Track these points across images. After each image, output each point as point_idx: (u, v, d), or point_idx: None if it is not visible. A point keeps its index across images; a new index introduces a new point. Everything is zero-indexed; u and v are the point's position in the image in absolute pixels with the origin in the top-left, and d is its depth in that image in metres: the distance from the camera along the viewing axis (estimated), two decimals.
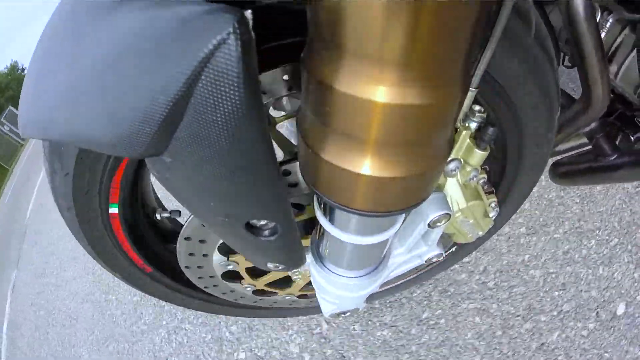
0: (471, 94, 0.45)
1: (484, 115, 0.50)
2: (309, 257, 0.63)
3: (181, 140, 0.31)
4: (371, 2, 0.23)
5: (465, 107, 0.48)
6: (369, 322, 1.24)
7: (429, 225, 0.52)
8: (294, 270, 0.82)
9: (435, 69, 0.26)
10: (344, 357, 1.20)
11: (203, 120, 0.29)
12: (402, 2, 0.22)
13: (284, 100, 0.74)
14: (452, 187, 0.55)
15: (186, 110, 0.28)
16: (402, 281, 1.13)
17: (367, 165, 0.32)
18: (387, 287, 1.14)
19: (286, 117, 0.77)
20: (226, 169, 0.33)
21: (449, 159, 0.52)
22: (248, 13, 0.25)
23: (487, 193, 0.59)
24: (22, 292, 3.97)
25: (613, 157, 0.85)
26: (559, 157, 0.98)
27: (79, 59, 0.33)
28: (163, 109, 0.28)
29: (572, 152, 0.97)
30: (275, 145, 0.66)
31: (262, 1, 0.43)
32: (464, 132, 0.50)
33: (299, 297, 0.97)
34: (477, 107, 0.50)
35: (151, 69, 0.27)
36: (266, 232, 0.46)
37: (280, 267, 0.56)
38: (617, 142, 0.87)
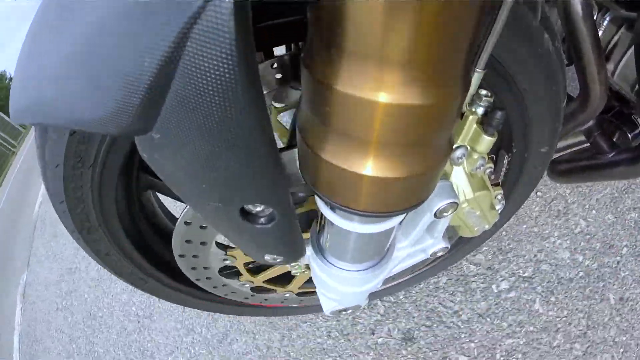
0: (478, 75, 0.43)
1: (491, 99, 0.47)
2: (309, 250, 0.59)
3: (170, 112, 0.28)
4: (371, 3, 0.22)
5: (472, 90, 0.45)
6: (617, 209, 1.22)
7: (435, 215, 0.49)
8: (293, 264, 0.79)
9: (436, 68, 0.26)
10: (612, 245, 1.17)
11: (193, 87, 0.26)
12: (402, 3, 0.22)
13: None
14: (459, 176, 0.52)
15: (174, 75, 0.25)
16: (406, 277, 1.09)
17: (367, 166, 0.31)
18: (390, 284, 1.10)
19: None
20: (218, 144, 0.31)
21: (455, 145, 0.50)
22: None
23: (493, 185, 0.57)
24: (39, 295, 3.09)
25: (611, 155, 0.86)
26: (557, 155, 0.97)
27: (65, 36, 0.31)
28: (149, 74, 0.25)
29: (570, 150, 0.96)
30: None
31: None
32: (471, 117, 0.47)
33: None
34: (483, 92, 0.47)
35: (136, 31, 0.25)
36: (263, 219, 0.43)
37: (278, 259, 0.52)
38: (614, 140, 0.86)
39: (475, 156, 0.50)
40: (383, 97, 0.26)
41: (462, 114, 0.48)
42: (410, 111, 0.27)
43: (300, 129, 0.35)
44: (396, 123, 0.28)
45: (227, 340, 1.39)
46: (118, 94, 0.26)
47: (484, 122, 0.48)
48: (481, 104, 0.47)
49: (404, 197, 0.35)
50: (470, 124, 0.48)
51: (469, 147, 0.50)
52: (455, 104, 0.29)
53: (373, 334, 1.16)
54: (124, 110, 0.27)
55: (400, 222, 0.48)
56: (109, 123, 0.28)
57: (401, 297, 1.20)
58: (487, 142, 0.48)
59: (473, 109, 0.47)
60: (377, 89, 0.26)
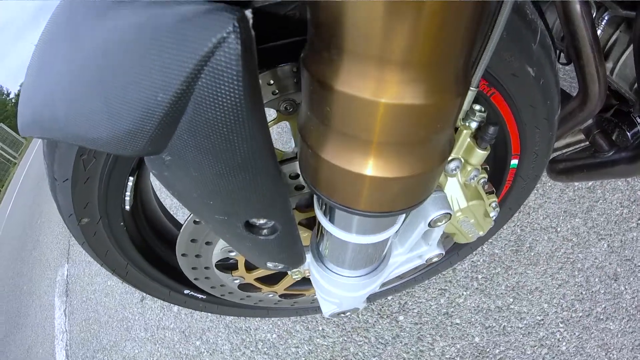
0: (471, 93, 0.45)
1: (484, 114, 0.50)
2: (308, 257, 0.63)
3: (181, 138, 0.31)
4: (371, 3, 0.23)
5: (465, 106, 0.48)
6: None
7: (429, 224, 0.52)
8: (294, 270, 0.82)
9: (435, 68, 0.26)
10: None
11: (203, 119, 0.29)
12: (402, 3, 0.22)
13: None
14: (453, 187, 0.55)
15: (186, 108, 0.28)
16: (403, 280, 1.15)
17: (367, 166, 0.32)
18: (388, 287, 1.16)
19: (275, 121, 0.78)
20: (226, 167, 0.33)
21: (450, 158, 0.52)
22: (248, 12, 0.25)
23: (488, 193, 0.59)
24: (96, 289, 2.50)
25: (610, 153, 0.86)
26: (556, 154, 0.99)
27: (77, 56, 0.33)
28: (163, 107, 0.28)
29: (570, 149, 0.98)
30: None
31: (257, 1, 0.43)
32: (465, 132, 0.50)
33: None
34: (477, 107, 0.50)
35: (151, 67, 0.27)
36: (265, 231, 0.46)
37: (280, 267, 0.56)
38: (613, 138, 0.88)
39: (469, 168, 0.53)
40: (383, 97, 0.26)
41: (456, 129, 0.51)
42: (410, 111, 0.27)
43: (300, 129, 0.36)
44: (396, 123, 0.28)
45: (526, 246, 1.34)
46: (132, 121, 0.29)
47: (478, 137, 0.51)
48: (475, 118, 0.50)
49: (404, 197, 0.36)
50: (464, 138, 0.50)
51: (462, 160, 0.52)
52: (455, 103, 0.30)
53: None
54: (137, 136, 0.29)
55: (396, 231, 0.51)
56: (121, 145, 0.30)
57: None
58: (480, 155, 0.51)
59: (467, 124, 0.50)
60: (377, 89, 0.26)
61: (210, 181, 0.35)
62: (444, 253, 0.64)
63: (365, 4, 0.23)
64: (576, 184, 1.43)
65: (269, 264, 0.55)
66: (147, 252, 0.81)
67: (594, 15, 0.78)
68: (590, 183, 1.41)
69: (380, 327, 1.33)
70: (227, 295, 0.90)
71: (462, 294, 1.31)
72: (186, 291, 0.91)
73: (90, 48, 0.32)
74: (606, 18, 0.78)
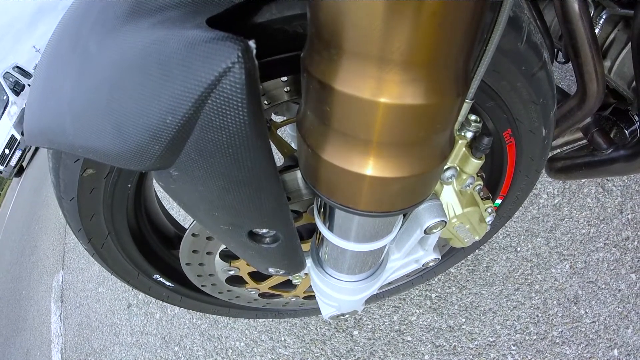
0: (467, 105, 0.47)
1: (480, 124, 0.53)
2: (309, 262, 0.66)
3: (188, 156, 0.33)
4: (371, 3, 0.23)
5: (461, 117, 0.51)
6: None
7: (425, 231, 0.55)
8: (295, 275, 0.86)
9: (435, 68, 0.27)
10: None
11: (209, 140, 0.31)
12: (402, 3, 0.23)
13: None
14: (449, 194, 0.58)
15: (193, 130, 0.31)
16: (401, 282, 1.20)
17: (367, 166, 0.32)
18: (386, 289, 1.21)
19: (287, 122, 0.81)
20: (231, 183, 0.36)
21: (445, 167, 0.56)
22: (252, 42, 0.27)
23: (484, 199, 0.63)
24: (88, 295, 2.69)
25: (609, 151, 0.88)
26: (555, 152, 1.03)
27: (86, 72, 0.35)
28: (171, 129, 0.30)
29: (568, 147, 1.01)
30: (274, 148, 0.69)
31: None
32: (460, 142, 0.53)
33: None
34: (472, 117, 0.53)
35: (160, 90, 0.29)
36: (268, 240, 0.50)
37: (281, 272, 0.59)
38: (611, 136, 0.91)
39: (464, 176, 0.56)
40: (383, 97, 0.27)
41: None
42: (410, 111, 0.28)
43: (300, 129, 0.36)
44: (396, 123, 0.29)
45: (483, 265, 1.39)
46: (141, 141, 0.31)
47: (473, 146, 0.53)
48: (470, 129, 0.52)
49: (403, 197, 0.37)
50: (460, 148, 0.53)
51: (458, 168, 0.56)
52: (455, 103, 0.30)
53: (621, 213, 1.33)
54: (146, 154, 0.32)
55: (393, 238, 0.55)
56: (130, 161, 0.33)
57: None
58: (475, 164, 0.54)
59: (462, 134, 0.53)
60: (377, 88, 0.27)
61: (216, 195, 0.38)
62: (440, 257, 0.68)
63: (365, 4, 0.24)
64: (541, 201, 1.43)
65: (271, 269, 0.58)
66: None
67: (592, 14, 0.80)
68: (556, 200, 1.41)
69: (336, 340, 1.42)
70: (235, 299, 0.96)
71: (415, 312, 1.37)
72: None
73: (98, 66, 0.34)
74: (604, 17, 0.80)
